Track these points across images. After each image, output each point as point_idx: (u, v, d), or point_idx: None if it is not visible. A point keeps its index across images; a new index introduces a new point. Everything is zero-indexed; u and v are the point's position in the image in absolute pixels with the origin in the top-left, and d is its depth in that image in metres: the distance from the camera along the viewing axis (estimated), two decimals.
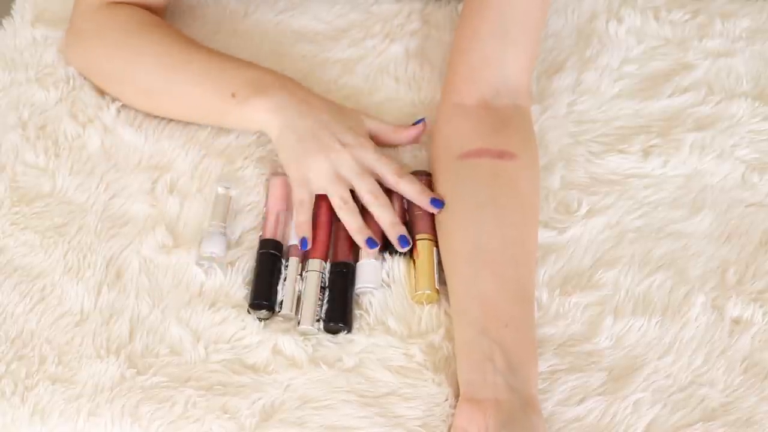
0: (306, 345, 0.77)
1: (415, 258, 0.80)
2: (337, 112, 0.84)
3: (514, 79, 0.85)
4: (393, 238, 0.80)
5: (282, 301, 0.79)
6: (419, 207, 0.83)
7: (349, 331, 0.78)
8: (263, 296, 0.79)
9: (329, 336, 0.78)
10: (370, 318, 0.79)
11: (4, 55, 0.92)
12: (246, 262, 0.82)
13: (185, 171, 0.87)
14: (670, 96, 0.92)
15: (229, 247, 0.83)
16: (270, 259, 0.81)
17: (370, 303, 0.80)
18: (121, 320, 0.78)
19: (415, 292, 0.79)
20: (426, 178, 0.86)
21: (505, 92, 0.85)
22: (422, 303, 0.79)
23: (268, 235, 0.82)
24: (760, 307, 0.79)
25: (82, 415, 0.73)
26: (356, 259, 0.82)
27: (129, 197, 0.85)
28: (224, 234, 0.83)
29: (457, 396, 0.74)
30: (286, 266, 0.81)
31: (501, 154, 0.81)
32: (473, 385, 0.72)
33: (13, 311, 0.78)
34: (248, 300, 0.79)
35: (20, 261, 0.80)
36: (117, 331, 0.77)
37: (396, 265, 0.81)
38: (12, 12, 0.95)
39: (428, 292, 0.78)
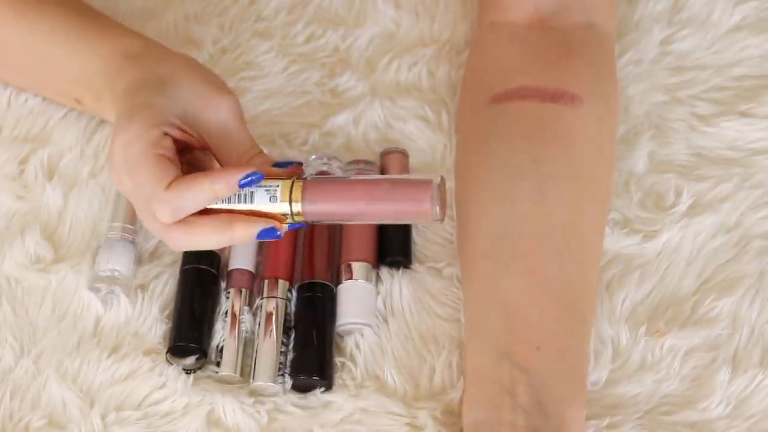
0: (258, 411, 0.77)
1: None
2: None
3: None
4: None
5: (221, 345, 0.79)
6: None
7: (328, 388, 0.78)
8: (190, 336, 0.79)
9: (295, 397, 0.78)
10: (357, 370, 0.79)
11: None
12: (166, 284, 0.82)
13: (71, 145, 0.87)
14: None
15: (139, 261, 0.83)
16: (201, 280, 0.81)
17: (357, 346, 0.79)
18: None
19: None
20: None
21: (576, 4, 0.84)
22: None
23: None
24: None
25: None
26: (337, 280, 0.82)
27: None
28: (132, 242, 0.82)
29: None
30: (227, 292, 0.81)
31: (556, 96, 0.82)
32: (482, 428, 0.73)
33: None
34: (169, 342, 0.79)
35: None
36: None
37: (396, 287, 0.81)
38: None
39: None
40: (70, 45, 0.81)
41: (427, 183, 0.70)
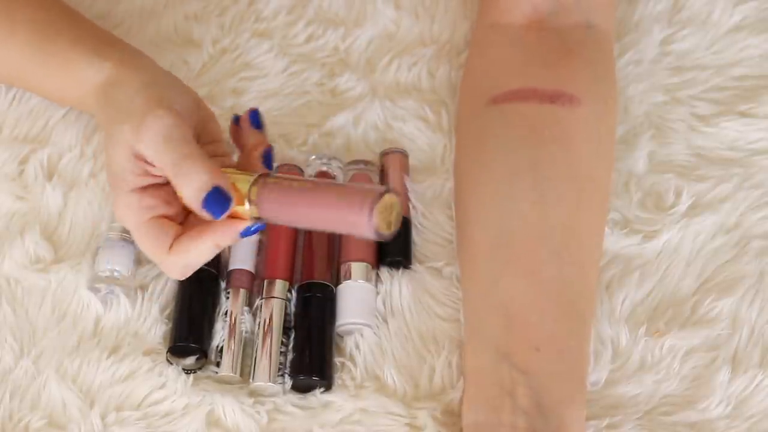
0: (258, 411, 0.77)
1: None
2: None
3: None
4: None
5: (221, 345, 0.79)
6: None
7: (328, 388, 0.78)
8: (191, 336, 0.79)
9: (294, 397, 0.78)
10: (357, 370, 0.79)
11: None
12: (165, 284, 0.82)
13: (71, 145, 0.87)
14: None
15: (139, 261, 0.83)
16: (201, 280, 0.80)
17: (357, 347, 0.80)
18: None
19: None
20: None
21: (573, 5, 0.84)
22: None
23: None
24: None
25: None
26: (337, 281, 0.82)
27: None
28: (132, 242, 0.81)
29: None
30: (227, 292, 0.81)
31: (555, 97, 0.82)
32: (482, 429, 0.73)
33: None
34: (169, 342, 0.79)
35: None
36: None
37: (396, 287, 0.81)
38: None
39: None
40: (44, 66, 0.81)
41: (370, 192, 0.64)
